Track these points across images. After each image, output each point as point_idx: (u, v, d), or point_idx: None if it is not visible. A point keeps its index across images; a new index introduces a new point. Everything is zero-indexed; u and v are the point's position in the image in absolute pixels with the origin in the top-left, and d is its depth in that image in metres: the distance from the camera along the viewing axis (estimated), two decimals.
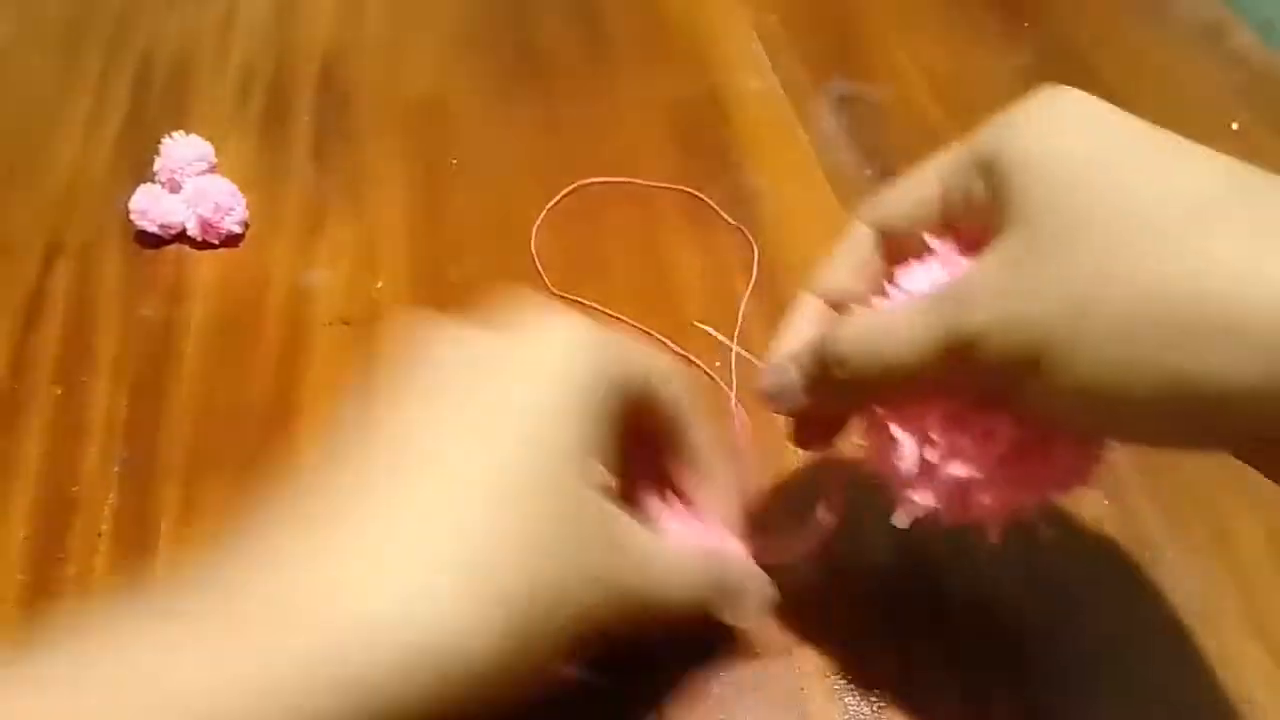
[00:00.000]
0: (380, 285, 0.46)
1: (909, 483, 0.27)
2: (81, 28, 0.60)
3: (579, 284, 0.45)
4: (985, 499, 0.26)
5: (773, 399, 0.30)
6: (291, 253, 0.47)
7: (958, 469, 0.25)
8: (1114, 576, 0.36)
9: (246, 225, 0.48)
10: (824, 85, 0.55)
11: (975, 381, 0.24)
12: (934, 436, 0.25)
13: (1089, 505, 0.38)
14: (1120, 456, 0.39)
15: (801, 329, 0.31)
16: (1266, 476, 0.23)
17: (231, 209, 0.47)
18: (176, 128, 0.50)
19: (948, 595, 0.35)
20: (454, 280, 0.46)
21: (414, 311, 0.44)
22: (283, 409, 0.41)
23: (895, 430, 0.26)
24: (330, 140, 0.53)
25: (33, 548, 0.37)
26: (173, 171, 0.48)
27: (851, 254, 0.30)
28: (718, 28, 0.59)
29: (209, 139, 0.50)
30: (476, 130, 0.54)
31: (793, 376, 0.29)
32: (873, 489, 0.37)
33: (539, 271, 0.46)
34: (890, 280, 0.28)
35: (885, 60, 0.57)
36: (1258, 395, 0.19)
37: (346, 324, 0.44)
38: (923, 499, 0.27)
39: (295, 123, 0.54)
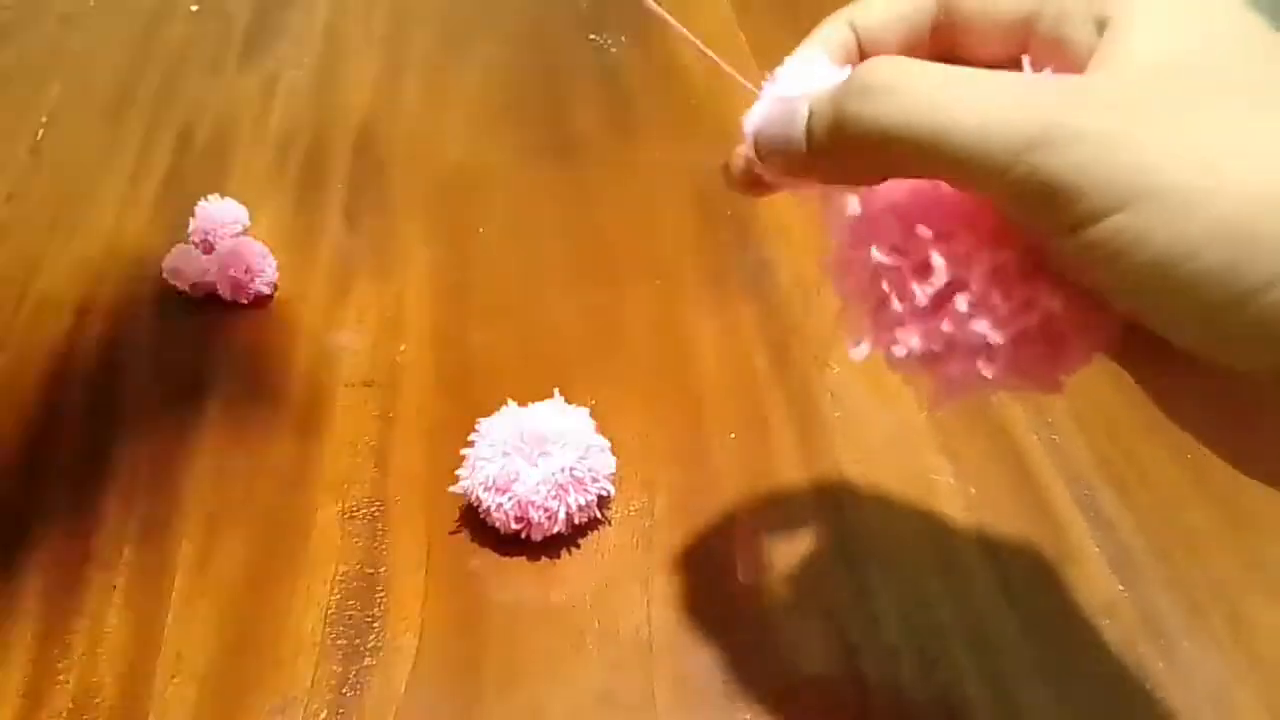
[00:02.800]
0: (403, 349, 0.46)
1: (906, 316, 0.22)
2: (127, 92, 0.62)
3: (600, 352, 0.46)
4: (988, 372, 0.22)
5: (764, 149, 0.24)
6: (318, 315, 0.48)
7: (982, 326, 0.21)
8: (1130, 666, 0.35)
9: (276, 287, 0.49)
10: None
11: (1027, 205, 0.19)
12: (971, 281, 0.21)
13: (1104, 592, 0.37)
14: (1135, 545, 0.39)
15: (822, 55, 0.24)
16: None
17: (262, 271, 0.48)
18: (214, 190, 0.52)
19: (968, 704, 0.35)
20: (477, 346, 0.47)
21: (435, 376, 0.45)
22: (302, 468, 0.41)
23: (932, 248, 0.21)
24: (362, 207, 0.54)
25: (47, 600, 0.37)
26: (206, 233, 0.49)
27: (904, 5, 0.25)
28: (742, 108, 0.60)
29: (245, 202, 0.51)
30: (504, 201, 0.55)
31: (801, 116, 0.23)
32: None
33: (560, 338, 0.47)
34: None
35: None
36: None
37: (368, 386, 0.45)
38: (914, 343, 0.22)
39: (329, 189, 0.55)
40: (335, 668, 0.35)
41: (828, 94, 0.22)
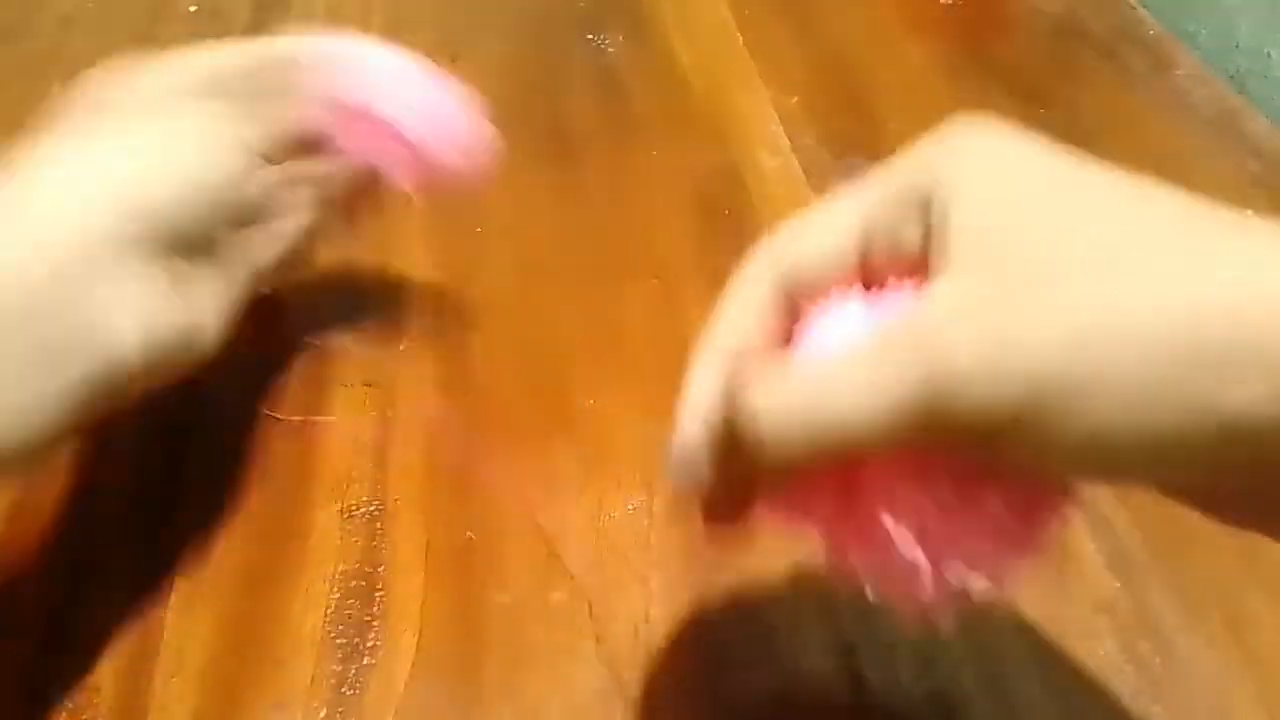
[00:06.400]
0: (403, 348, 0.46)
1: (915, 584, 0.22)
2: None
3: (600, 351, 0.46)
4: (980, 581, 0.22)
5: (681, 484, 0.26)
6: (316, 314, 0.48)
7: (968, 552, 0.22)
8: (1127, 664, 0.36)
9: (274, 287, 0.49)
10: (842, 164, 0.57)
11: (940, 441, 0.20)
12: (928, 523, 0.22)
13: (1101, 590, 0.37)
14: (1132, 542, 0.39)
15: (710, 391, 0.26)
16: (1224, 519, 0.23)
17: None
18: None
19: (965, 702, 0.35)
20: (476, 346, 0.47)
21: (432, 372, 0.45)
22: (301, 467, 0.41)
23: (888, 523, 0.22)
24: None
25: (47, 598, 0.37)
26: None
27: (749, 306, 0.26)
28: (739, 107, 0.61)
29: None
30: (503, 200, 0.55)
31: (700, 456, 0.25)
32: None
33: (560, 338, 0.47)
34: (794, 337, 0.24)
35: (903, 141, 0.58)
36: (1273, 416, 0.17)
37: (368, 386, 0.45)
38: (933, 597, 0.22)
39: None
40: (335, 667, 0.35)
41: (726, 432, 0.23)
